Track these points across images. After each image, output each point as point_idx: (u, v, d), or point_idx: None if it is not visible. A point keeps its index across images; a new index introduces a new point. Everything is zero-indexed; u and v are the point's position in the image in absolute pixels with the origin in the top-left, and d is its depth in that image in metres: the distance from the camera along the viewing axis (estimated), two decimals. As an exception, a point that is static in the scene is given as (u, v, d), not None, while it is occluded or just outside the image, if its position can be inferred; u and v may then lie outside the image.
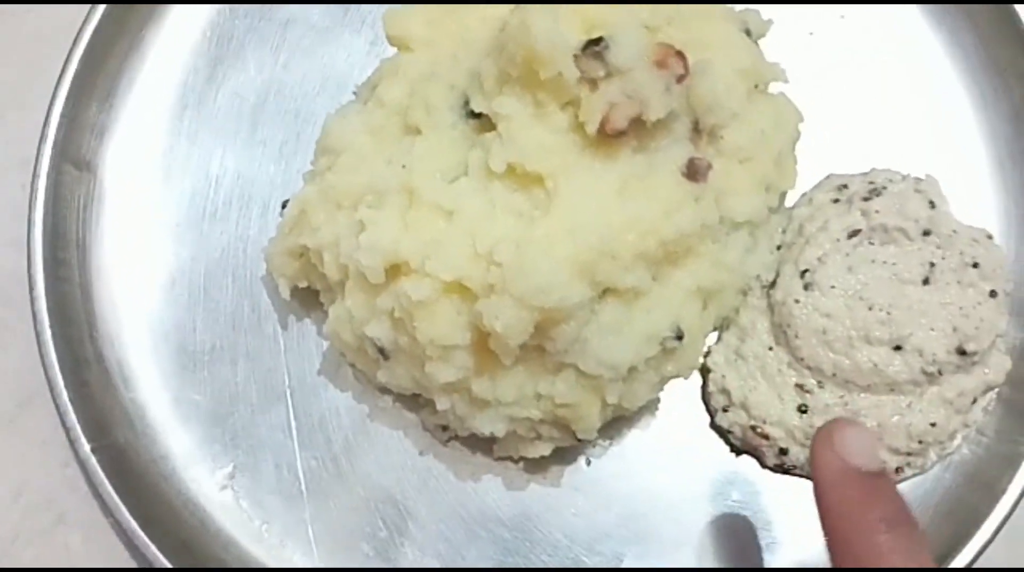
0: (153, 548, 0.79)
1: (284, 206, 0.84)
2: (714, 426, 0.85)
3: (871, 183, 0.84)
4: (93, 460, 0.81)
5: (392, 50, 0.83)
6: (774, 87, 0.83)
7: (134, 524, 0.80)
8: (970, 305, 0.81)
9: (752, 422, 0.82)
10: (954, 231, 0.83)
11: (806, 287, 0.82)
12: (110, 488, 0.81)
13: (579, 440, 0.79)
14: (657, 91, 0.70)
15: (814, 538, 0.67)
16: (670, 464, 0.85)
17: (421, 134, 0.76)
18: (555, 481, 0.85)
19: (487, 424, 0.77)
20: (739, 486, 0.84)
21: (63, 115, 0.88)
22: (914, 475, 0.83)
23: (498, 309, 0.69)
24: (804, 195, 0.87)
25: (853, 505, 0.63)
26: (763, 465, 0.84)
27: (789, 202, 0.87)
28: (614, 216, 0.71)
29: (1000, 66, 0.90)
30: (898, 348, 0.80)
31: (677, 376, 0.80)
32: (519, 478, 0.85)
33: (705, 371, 0.85)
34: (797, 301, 0.81)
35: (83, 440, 0.82)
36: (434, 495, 0.84)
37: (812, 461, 0.65)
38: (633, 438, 0.85)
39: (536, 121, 0.72)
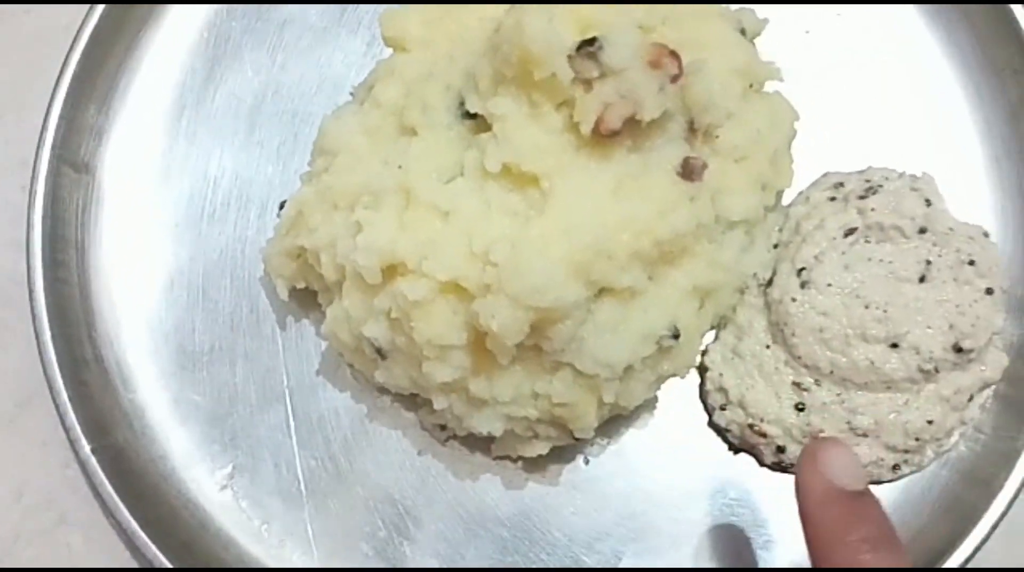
0: (153, 548, 0.80)
1: (282, 207, 0.84)
2: (712, 424, 0.85)
3: (867, 181, 0.84)
4: (93, 460, 0.82)
5: (388, 51, 0.83)
6: (770, 86, 0.83)
7: (134, 524, 0.80)
8: (966, 303, 0.81)
9: (750, 420, 0.82)
10: (950, 229, 0.83)
11: (803, 285, 0.82)
12: (110, 488, 0.81)
13: (577, 439, 0.79)
14: (651, 91, 0.70)
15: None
16: (668, 462, 0.85)
17: (417, 135, 0.77)
18: (553, 480, 0.85)
19: (485, 423, 0.77)
20: (737, 484, 0.84)
21: (61, 117, 0.88)
22: (911, 472, 0.83)
23: (494, 309, 0.69)
24: (801, 193, 0.87)
25: (837, 525, 0.63)
26: (761, 463, 0.84)
27: (786, 200, 0.87)
28: (609, 216, 0.71)
29: (996, 64, 0.90)
30: (895, 346, 0.80)
31: (674, 375, 0.80)
32: (517, 477, 0.85)
33: (703, 369, 0.85)
34: (794, 299, 0.81)
35: (83, 440, 0.82)
36: (433, 494, 0.85)
37: (797, 481, 0.66)
38: (631, 437, 0.86)
39: (531, 121, 0.72)
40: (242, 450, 0.86)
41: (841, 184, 0.85)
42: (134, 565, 0.87)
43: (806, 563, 0.79)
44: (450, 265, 0.71)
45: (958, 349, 0.80)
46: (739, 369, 0.83)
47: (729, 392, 0.83)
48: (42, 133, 0.87)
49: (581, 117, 0.71)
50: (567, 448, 0.83)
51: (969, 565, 0.79)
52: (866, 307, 0.80)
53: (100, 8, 0.89)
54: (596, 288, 0.72)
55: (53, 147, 0.87)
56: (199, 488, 0.85)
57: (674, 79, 0.71)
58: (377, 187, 0.76)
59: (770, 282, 0.84)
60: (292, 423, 0.86)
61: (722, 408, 0.84)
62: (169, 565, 0.79)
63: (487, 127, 0.74)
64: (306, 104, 0.91)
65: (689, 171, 0.74)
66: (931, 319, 0.80)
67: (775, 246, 0.85)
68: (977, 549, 0.79)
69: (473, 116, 0.75)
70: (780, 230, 0.86)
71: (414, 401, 0.85)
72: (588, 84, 0.70)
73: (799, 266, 0.82)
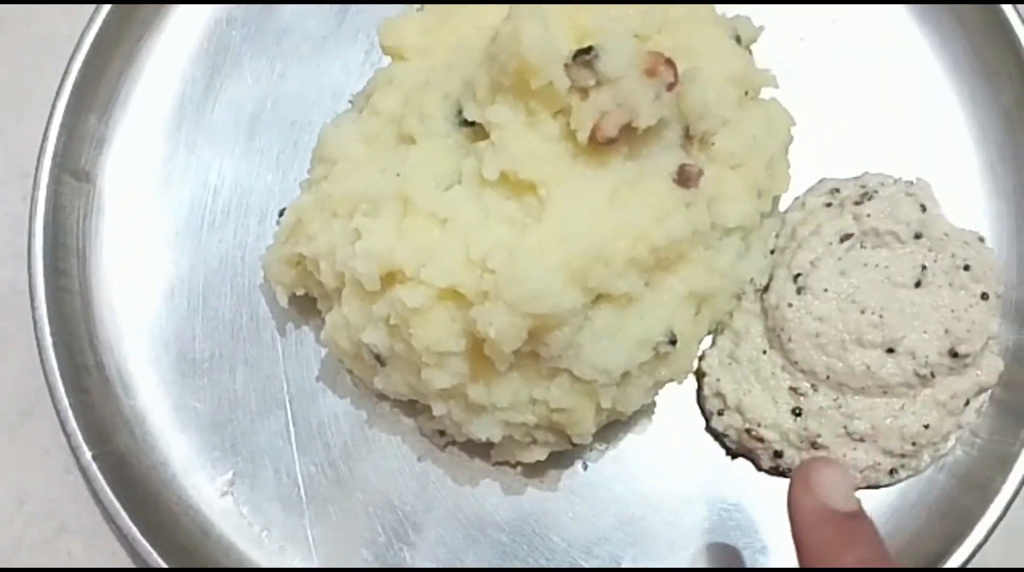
0: (154, 554, 0.80)
1: (281, 214, 0.85)
2: (709, 429, 0.86)
3: (863, 187, 0.85)
4: (94, 467, 0.82)
5: (387, 60, 0.84)
6: (766, 92, 0.84)
7: (135, 531, 0.81)
8: (962, 308, 0.81)
9: (747, 425, 0.82)
10: (945, 234, 0.83)
11: (799, 291, 0.82)
12: (111, 495, 0.81)
13: (575, 444, 0.80)
14: (647, 99, 0.71)
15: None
16: (666, 467, 0.85)
17: (415, 143, 0.77)
18: (552, 485, 0.85)
19: (483, 429, 0.78)
20: (734, 489, 0.85)
21: (62, 126, 0.88)
22: (908, 476, 0.83)
23: (492, 315, 0.70)
24: (797, 199, 0.88)
25: (830, 548, 0.63)
26: (758, 468, 0.85)
27: (782, 206, 0.88)
28: (606, 223, 0.72)
29: (990, 69, 0.90)
30: (891, 351, 0.80)
31: (671, 380, 0.81)
32: (516, 483, 0.85)
33: (700, 375, 0.85)
34: (790, 305, 0.82)
35: (84, 447, 0.82)
36: (432, 500, 0.85)
37: (789, 501, 0.66)
38: (629, 442, 0.86)
39: (528, 129, 0.73)
40: (242, 456, 0.86)
41: (837, 190, 0.86)
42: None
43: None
44: (448, 272, 0.72)
45: (954, 354, 0.80)
46: (736, 374, 0.84)
47: (726, 397, 0.83)
48: (43, 142, 0.88)
49: (578, 125, 0.71)
50: (566, 453, 0.83)
51: (967, 567, 0.79)
52: (862, 312, 0.81)
53: (101, 17, 0.90)
54: (593, 295, 0.73)
55: (54, 156, 0.88)
56: (200, 494, 0.85)
57: (670, 87, 0.72)
58: (376, 195, 0.76)
59: (767, 288, 0.84)
60: (292, 429, 0.87)
61: (719, 413, 0.84)
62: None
63: (485, 135, 0.74)
64: (305, 112, 0.92)
65: (685, 178, 0.75)
66: (927, 324, 0.81)
67: (771, 252, 0.86)
68: (974, 552, 0.79)
69: (471, 124, 0.76)
70: (776, 236, 0.86)
71: (413, 407, 0.85)
72: (584, 92, 0.71)
73: (795, 272, 0.83)
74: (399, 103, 0.79)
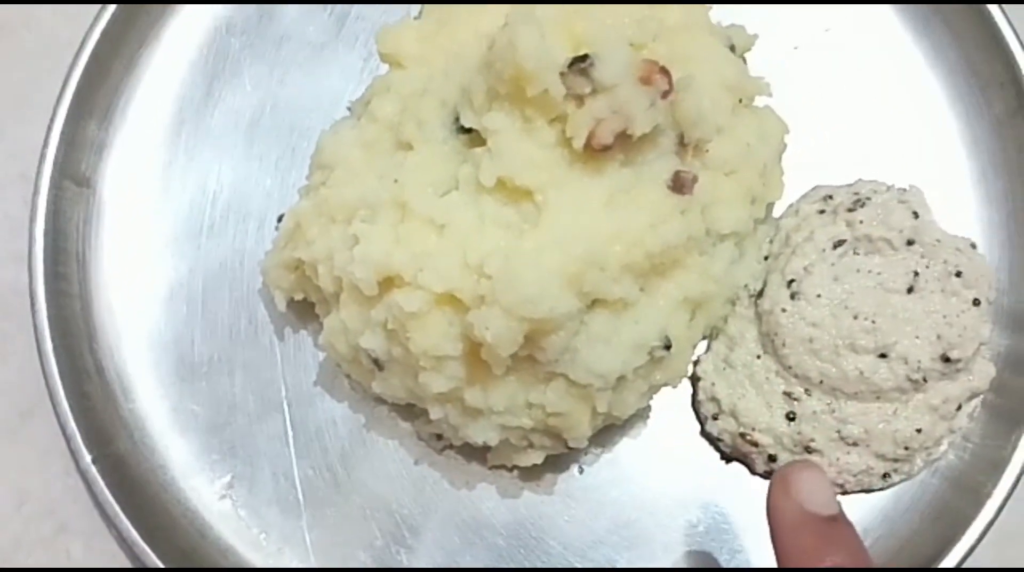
0: (153, 556, 0.80)
1: (280, 220, 0.85)
2: (704, 433, 0.86)
3: (856, 194, 0.86)
4: (94, 470, 0.82)
5: (385, 67, 0.84)
6: (760, 100, 0.84)
7: (134, 533, 0.81)
8: (954, 313, 0.82)
9: (741, 429, 0.83)
10: (938, 241, 0.84)
11: (793, 296, 0.83)
12: (110, 497, 0.82)
13: (571, 448, 0.80)
14: (642, 107, 0.71)
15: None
16: (661, 471, 0.86)
17: (413, 149, 0.77)
18: (548, 489, 0.86)
19: (480, 433, 0.78)
20: (729, 492, 0.85)
21: (63, 132, 0.89)
22: (901, 481, 0.84)
23: (489, 320, 0.70)
24: (790, 206, 0.88)
25: (809, 551, 0.63)
26: (752, 472, 0.85)
27: (776, 213, 0.88)
28: (602, 228, 0.72)
29: (982, 78, 0.91)
30: (883, 356, 0.81)
31: (666, 385, 0.81)
32: (513, 486, 0.86)
33: (695, 379, 0.86)
34: (784, 310, 0.82)
35: (84, 450, 0.83)
36: (429, 503, 0.86)
37: (768, 506, 0.66)
38: (625, 446, 0.87)
39: (525, 136, 0.73)
40: (241, 460, 0.86)
41: (830, 197, 0.86)
42: (134, 573, 0.88)
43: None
44: (445, 277, 0.72)
45: (946, 359, 0.81)
46: (731, 379, 0.84)
47: (721, 402, 0.84)
48: (44, 148, 0.88)
49: (574, 132, 0.72)
50: (562, 457, 0.84)
51: (959, 567, 0.80)
52: (855, 318, 0.81)
53: (101, 24, 0.90)
54: (589, 299, 0.73)
55: (55, 161, 0.88)
56: (198, 497, 0.86)
57: (665, 95, 0.72)
58: (374, 200, 0.77)
59: (760, 293, 0.85)
60: (290, 433, 0.87)
61: (714, 417, 0.85)
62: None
63: (481, 142, 0.75)
64: (304, 119, 0.92)
65: (680, 185, 0.75)
66: (919, 330, 0.81)
67: (765, 258, 0.87)
68: (966, 556, 0.80)
69: (468, 131, 0.76)
70: (770, 242, 0.87)
71: (411, 411, 0.86)
72: (580, 100, 0.71)
73: (789, 278, 0.83)
74: (397, 110, 0.80)
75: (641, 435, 0.87)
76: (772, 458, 0.83)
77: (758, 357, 0.84)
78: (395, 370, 0.78)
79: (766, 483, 0.83)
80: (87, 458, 0.83)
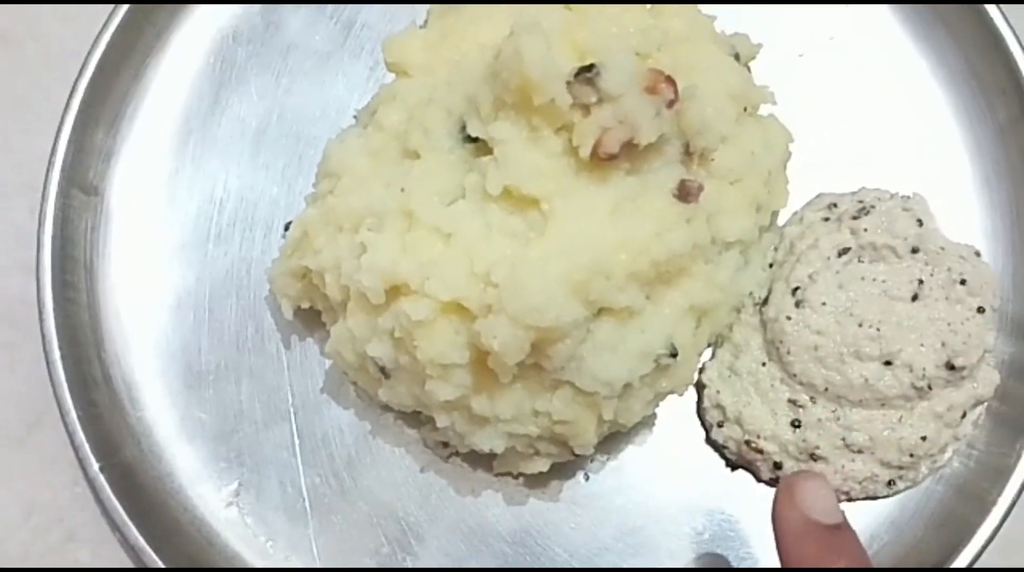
0: (160, 564, 0.81)
1: (287, 228, 0.86)
2: (709, 441, 0.86)
3: (860, 202, 0.86)
4: (101, 478, 0.82)
5: (391, 76, 0.84)
6: (764, 109, 0.85)
7: (142, 541, 0.81)
8: (958, 321, 0.82)
9: (746, 437, 0.83)
10: (942, 248, 0.84)
11: (797, 304, 0.83)
12: (118, 506, 0.82)
13: (577, 456, 0.81)
14: (648, 116, 0.72)
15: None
16: (667, 479, 0.86)
17: (419, 158, 0.78)
18: (554, 496, 0.86)
19: (486, 441, 0.78)
20: (734, 500, 0.85)
21: (71, 140, 0.89)
22: (906, 488, 0.84)
23: (495, 328, 0.70)
24: (795, 214, 0.89)
25: (813, 560, 0.64)
26: (758, 479, 0.85)
27: (780, 221, 0.89)
28: (608, 237, 0.73)
29: (985, 86, 0.91)
30: (888, 363, 0.81)
31: (672, 392, 0.81)
32: (519, 493, 0.86)
33: (700, 387, 0.86)
34: (789, 318, 0.83)
35: (91, 459, 0.83)
36: (435, 510, 0.86)
37: (774, 515, 0.67)
38: (630, 453, 0.87)
39: (531, 145, 0.73)
40: (248, 467, 0.87)
41: (835, 205, 0.87)
42: (141, 581, 0.88)
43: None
44: (452, 285, 0.72)
45: (950, 367, 0.81)
46: (736, 386, 0.84)
47: (726, 409, 0.84)
48: (51, 156, 0.88)
49: (580, 141, 0.72)
50: (567, 464, 0.84)
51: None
52: (860, 325, 0.81)
53: (108, 33, 0.90)
54: (595, 308, 0.73)
55: (62, 170, 0.88)
56: (205, 505, 0.86)
57: (670, 104, 0.73)
58: (380, 209, 0.77)
59: (765, 301, 0.85)
60: (297, 440, 0.87)
61: (719, 425, 0.85)
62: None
63: (488, 151, 0.75)
64: (310, 127, 0.93)
65: (685, 193, 0.76)
66: (924, 337, 0.81)
67: (770, 266, 0.87)
68: (972, 563, 0.80)
69: (474, 140, 0.77)
70: (775, 250, 0.87)
71: (417, 419, 0.86)
72: (586, 109, 0.72)
73: (794, 285, 0.83)
74: (403, 119, 0.80)
75: (647, 442, 0.87)
76: (777, 465, 0.83)
77: (763, 364, 0.84)
78: (402, 378, 0.78)
79: (771, 490, 0.84)
80: (95, 466, 0.83)
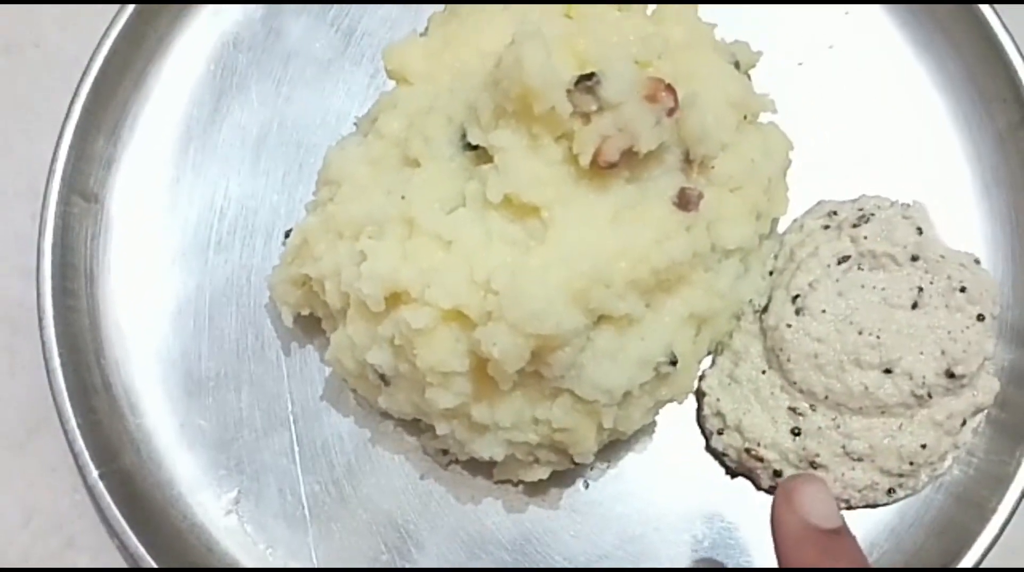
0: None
1: (287, 235, 0.86)
2: (709, 449, 0.86)
3: (860, 210, 0.86)
4: (101, 485, 0.82)
5: (391, 84, 0.85)
6: (764, 117, 0.85)
7: (141, 548, 0.81)
8: (958, 329, 0.82)
9: (746, 445, 0.83)
10: (942, 256, 0.84)
11: (797, 312, 0.83)
12: (117, 513, 0.82)
13: (577, 463, 0.81)
14: (648, 124, 0.72)
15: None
16: (667, 486, 0.86)
17: (420, 166, 0.78)
18: (554, 504, 0.86)
19: (486, 448, 0.78)
20: (734, 507, 0.85)
21: (71, 147, 0.89)
22: (906, 496, 0.84)
23: (496, 336, 0.70)
24: (795, 221, 0.89)
25: (813, 564, 0.63)
26: (758, 487, 0.85)
27: (780, 228, 0.89)
28: (608, 245, 0.73)
29: (985, 94, 0.91)
30: (888, 371, 0.81)
31: (672, 400, 0.81)
32: (518, 501, 0.86)
33: (700, 395, 0.86)
34: (789, 325, 0.83)
35: (91, 465, 0.83)
36: (435, 518, 0.86)
37: (772, 519, 0.66)
38: (630, 461, 0.87)
39: (531, 153, 0.73)
40: (247, 475, 0.87)
41: (834, 212, 0.87)
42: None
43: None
44: (452, 293, 0.72)
45: (950, 375, 0.81)
46: (736, 394, 0.84)
47: (726, 417, 0.84)
48: (52, 163, 0.88)
49: (580, 149, 0.72)
50: (567, 472, 0.84)
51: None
52: (860, 333, 0.82)
53: (109, 41, 0.90)
54: (595, 316, 0.73)
55: (63, 177, 0.88)
56: (205, 512, 0.86)
57: (670, 112, 0.73)
58: (381, 217, 0.77)
59: (765, 309, 0.85)
60: (296, 448, 0.87)
61: (719, 432, 0.85)
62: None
63: (488, 158, 0.75)
64: (311, 135, 0.93)
65: (685, 201, 0.76)
66: (923, 345, 0.81)
67: (770, 273, 0.87)
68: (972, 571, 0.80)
69: (474, 148, 0.77)
70: (775, 258, 0.87)
71: (417, 426, 0.86)
72: (587, 117, 0.72)
73: (794, 293, 0.84)
74: (403, 126, 0.80)
75: (646, 450, 0.87)
76: (777, 473, 0.83)
77: (763, 372, 0.84)
78: (402, 386, 0.78)
79: (771, 498, 0.83)
80: (94, 473, 0.83)
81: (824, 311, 0.83)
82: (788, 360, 0.82)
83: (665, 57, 0.77)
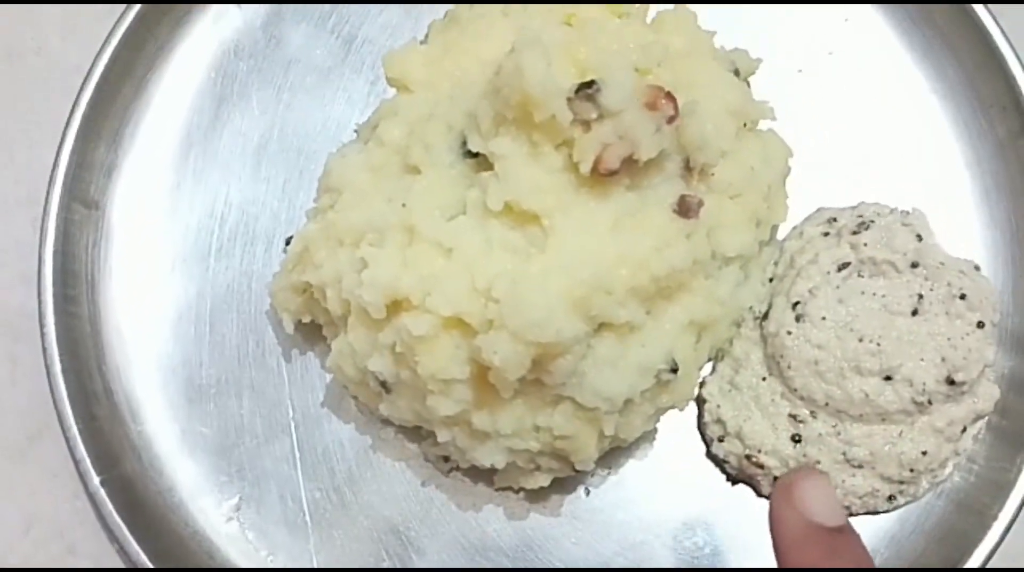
0: (161, 578, 0.81)
1: (288, 242, 0.86)
2: (710, 455, 0.86)
3: (860, 217, 0.86)
4: (102, 492, 0.83)
5: (392, 91, 0.85)
6: (764, 124, 0.85)
7: (143, 555, 0.81)
8: (958, 336, 0.82)
9: (747, 451, 0.83)
10: (941, 263, 0.84)
11: (798, 319, 0.83)
12: (119, 519, 0.82)
13: (578, 471, 0.81)
14: (648, 132, 0.72)
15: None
16: (667, 493, 0.86)
17: (420, 173, 0.78)
18: (555, 511, 0.86)
19: (487, 456, 0.78)
20: (735, 514, 0.85)
21: (72, 154, 0.89)
22: (907, 503, 0.84)
23: (496, 344, 0.71)
24: (795, 228, 0.89)
25: (816, 565, 0.60)
26: (758, 494, 0.85)
27: (780, 235, 0.89)
28: (608, 252, 0.73)
29: (984, 101, 0.92)
30: (888, 378, 0.81)
31: (672, 407, 0.81)
32: (520, 508, 0.86)
33: (700, 401, 0.86)
34: (789, 332, 0.83)
35: (92, 472, 0.83)
36: (436, 525, 0.86)
37: (771, 518, 0.64)
38: (631, 468, 0.87)
39: (532, 161, 0.74)
40: (248, 481, 0.87)
41: (834, 219, 0.87)
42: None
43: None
44: (453, 301, 0.72)
45: (951, 381, 0.81)
46: (736, 401, 0.84)
47: (727, 424, 0.84)
48: (53, 170, 0.89)
49: (580, 157, 0.73)
50: (568, 479, 0.84)
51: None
52: (860, 340, 0.82)
53: (110, 48, 0.91)
54: (595, 323, 0.73)
55: (64, 184, 0.89)
56: (206, 519, 0.86)
57: (670, 120, 0.73)
58: (381, 224, 0.77)
59: (766, 315, 0.85)
60: (297, 455, 0.87)
61: (720, 439, 0.85)
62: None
63: (489, 166, 0.75)
64: (311, 142, 0.93)
65: (685, 208, 0.76)
66: (924, 352, 0.81)
67: (770, 280, 0.87)
68: (972, 577, 0.80)
69: (475, 155, 0.77)
70: (775, 264, 0.88)
71: (418, 433, 0.86)
72: (587, 125, 0.72)
73: (794, 300, 0.84)
74: (404, 134, 0.80)
75: (647, 457, 0.87)
76: (778, 480, 0.83)
77: (763, 379, 0.84)
78: (403, 393, 0.78)
79: (772, 503, 0.85)
80: (95, 480, 0.83)
81: (824, 318, 0.83)
82: (788, 367, 0.82)
83: (665, 65, 0.77)
